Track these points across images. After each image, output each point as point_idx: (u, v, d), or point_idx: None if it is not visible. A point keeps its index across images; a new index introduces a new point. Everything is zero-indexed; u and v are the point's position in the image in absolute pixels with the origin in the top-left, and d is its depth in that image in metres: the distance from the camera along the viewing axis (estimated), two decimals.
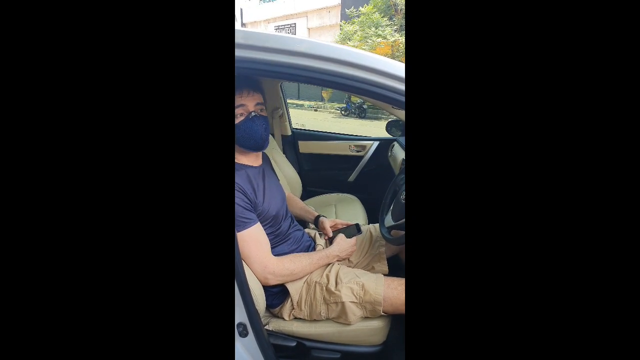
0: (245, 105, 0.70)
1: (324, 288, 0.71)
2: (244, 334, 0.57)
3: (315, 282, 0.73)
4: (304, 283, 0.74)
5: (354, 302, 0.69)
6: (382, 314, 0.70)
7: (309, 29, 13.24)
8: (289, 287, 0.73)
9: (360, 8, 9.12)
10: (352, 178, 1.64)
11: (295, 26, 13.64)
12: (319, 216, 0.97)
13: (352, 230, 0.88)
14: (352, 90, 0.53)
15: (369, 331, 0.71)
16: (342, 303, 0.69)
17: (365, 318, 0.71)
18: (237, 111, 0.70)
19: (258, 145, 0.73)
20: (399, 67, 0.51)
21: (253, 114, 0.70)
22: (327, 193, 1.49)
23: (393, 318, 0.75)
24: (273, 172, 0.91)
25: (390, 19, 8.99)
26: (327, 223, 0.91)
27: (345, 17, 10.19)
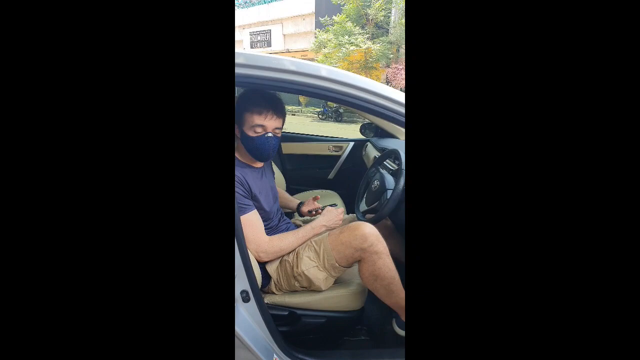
0: (265, 126, 0.80)
1: (291, 264, 0.83)
2: (246, 300, 0.69)
3: (285, 260, 0.85)
4: (278, 263, 0.86)
5: (313, 267, 0.80)
6: (341, 266, 0.80)
7: (284, 35, 13.40)
8: (268, 268, 0.84)
9: (334, 17, 9.45)
10: (331, 175, 1.79)
11: (270, 32, 13.75)
12: (300, 203, 1.11)
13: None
14: (324, 97, 0.66)
15: (348, 297, 0.85)
16: (304, 272, 0.80)
17: (344, 285, 0.85)
18: (256, 128, 0.79)
19: (263, 159, 0.86)
20: (360, 79, 0.66)
21: (269, 134, 0.80)
22: (309, 190, 1.62)
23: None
24: (272, 173, 1.02)
25: (362, 27, 9.40)
26: (307, 206, 1.06)
27: (319, 25, 10.48)
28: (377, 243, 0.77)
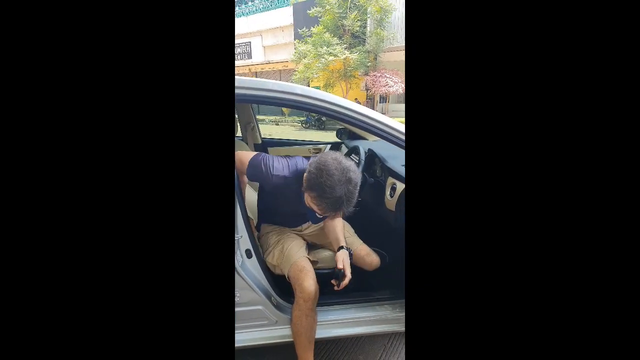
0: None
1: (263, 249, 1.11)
2: (250, 256, 0.95)
3: (261, 244, 1.12)
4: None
5: (273, 266, 1.07)
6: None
7: (264, 47, 13.75)
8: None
9: (312, 28, 9.91)
10: None
11: (250, 44, 14.07)
12: (340, 247, 1.07)
13: (337, 274, 1.02)
14: (301, 108, 0.95)
15: (324, 259, 1.13)
16: (266, 260, 1.07)
17: (321, 251, 1.13)
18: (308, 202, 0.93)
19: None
20: (325, 94, 0.95)
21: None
22: None
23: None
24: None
25: (340, 38, 9.89)
26: (340, 260, 1.04)
27: (298, 36, 10.90)
28: (302, 297, 0.94)
